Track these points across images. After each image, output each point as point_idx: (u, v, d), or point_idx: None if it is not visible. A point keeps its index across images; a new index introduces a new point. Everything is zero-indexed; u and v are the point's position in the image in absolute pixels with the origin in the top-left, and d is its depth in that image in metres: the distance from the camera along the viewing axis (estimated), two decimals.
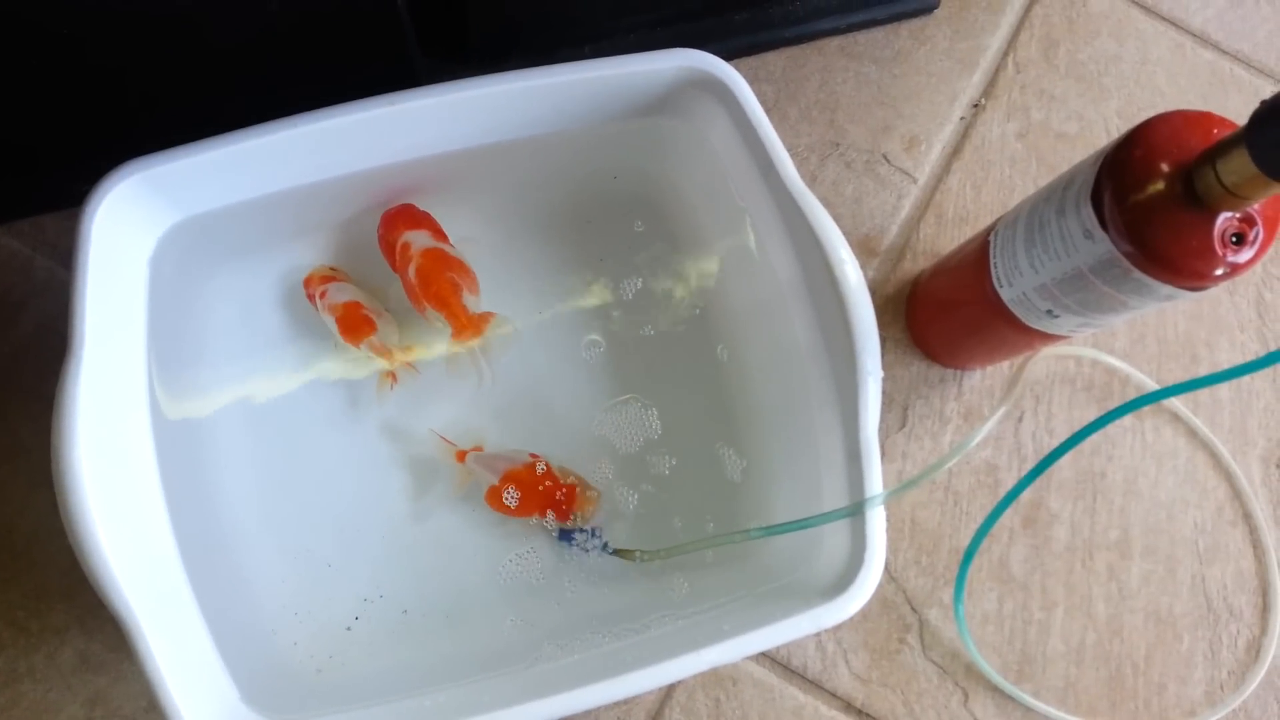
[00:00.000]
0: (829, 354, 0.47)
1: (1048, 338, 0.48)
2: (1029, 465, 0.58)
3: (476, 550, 0.52)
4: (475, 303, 0.51)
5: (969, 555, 0.51)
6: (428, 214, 0.53)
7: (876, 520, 0.44)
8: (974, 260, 0.49)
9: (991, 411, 0.57)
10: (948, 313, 0.55)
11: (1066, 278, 0.42)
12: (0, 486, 0.53)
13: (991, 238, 0.47)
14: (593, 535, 0.52)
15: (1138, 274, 0.39)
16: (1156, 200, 0.38)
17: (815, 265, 0.46)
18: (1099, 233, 0.39)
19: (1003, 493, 0.57)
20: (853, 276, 0.45)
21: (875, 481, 0.44)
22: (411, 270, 0.50)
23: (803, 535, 0.47)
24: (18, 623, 0.52)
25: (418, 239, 0.51)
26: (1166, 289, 0.39)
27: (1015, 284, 0.46)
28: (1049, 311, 0.45)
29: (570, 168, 0.55)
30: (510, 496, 0.50)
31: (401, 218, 0.52)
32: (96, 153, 0.47)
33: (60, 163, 0.54)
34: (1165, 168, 0.38)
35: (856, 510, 0.44)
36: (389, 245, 0.52)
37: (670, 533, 0.52)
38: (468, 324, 0.50)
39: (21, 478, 0.53)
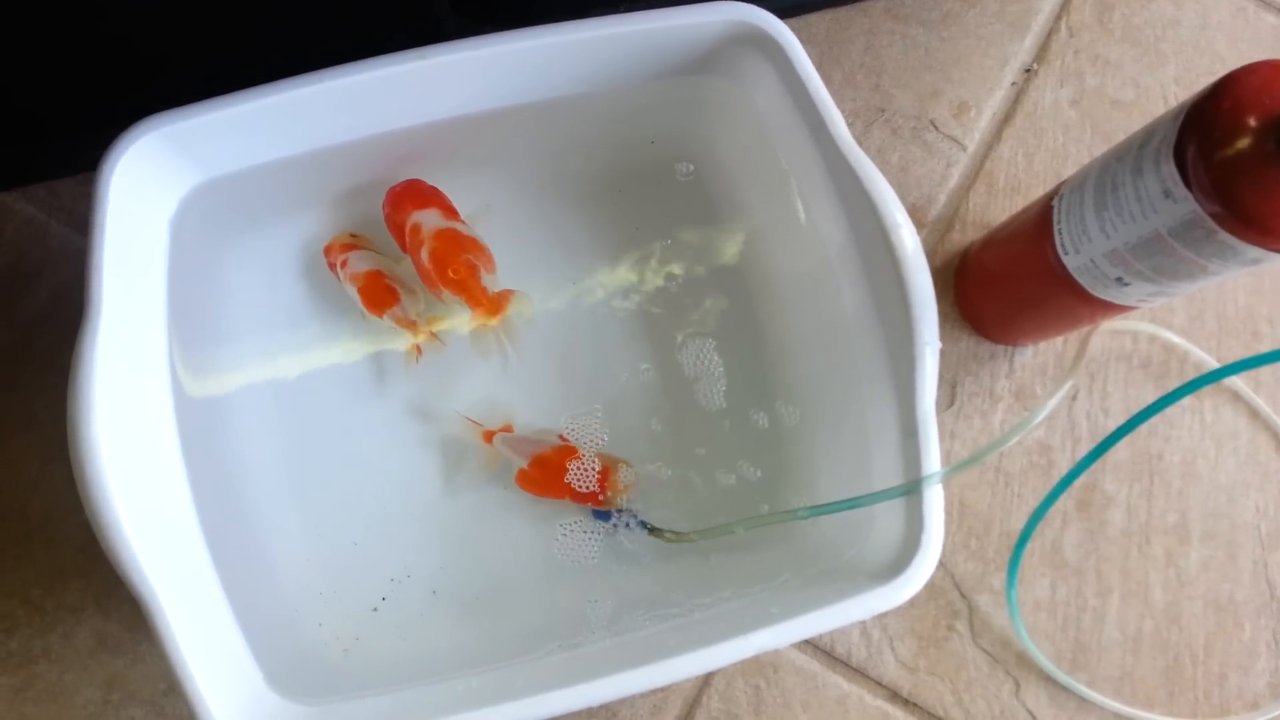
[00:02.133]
0: (882, 325, 0.45)
1: (1113, 309, 0.46)
2: (1084, 446, 0.55)
3: (508, 531, 0.50)
4: (492, 281, 0.48)
5: (1023, 539, 0.49)
6: (435, 189, 0.50)
7: (934, 499, 0.41)
8: (1034, 227, 0.47)
9: (1056, 385, 0.54)
10: (1001, 285, 0.52)
11: (1142, 242, 0.39)
12: (14, 460, 0.51)
13: (1055, 202, 0.45)
14: (629, 515, 0.49)
15: (1223, 235, 0.36)
16: (1246, 156, 0.35)
17: (868, 231, 0.44)
18: (1181, 191, 0.36)
19: (1056, 474, 0.55)
20: (909, 242, 0.42)
21: (933, 458, 0.42)
22: (425, 254, 0.48)
23: (852, 515, 0.44)
24: (33, 601, 0.50)
25: (428, 219, 0.48)
26: (1254, 251, 0.36)
27: (1083, 250, 0.43)
28: (1119, 279, 0.42)
29: (605, 131, 0.53)
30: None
31: (408, 196, 0.49)
32: (112, 113, 0.44)
33: (75, 124, 0.52)
34: (1254, 121, 0.35)
35: (914, 488, 0.41)
36: (397, 226, 0.49)
37: (712, 511, 0.50)
38: (488, 306, 0.47)
39: (36, 451, 0.52)
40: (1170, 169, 0.37)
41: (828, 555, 0.46)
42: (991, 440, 0.54)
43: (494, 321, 0.48)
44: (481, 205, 0.51)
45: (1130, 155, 0.39)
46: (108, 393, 0.39)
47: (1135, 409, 0.56)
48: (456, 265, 0.47)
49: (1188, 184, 0.36)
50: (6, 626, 0.50)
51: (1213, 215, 0.36)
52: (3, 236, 0.54)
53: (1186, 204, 0.37)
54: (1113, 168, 0.40)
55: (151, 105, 0.43)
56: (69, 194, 0.55)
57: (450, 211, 0.50)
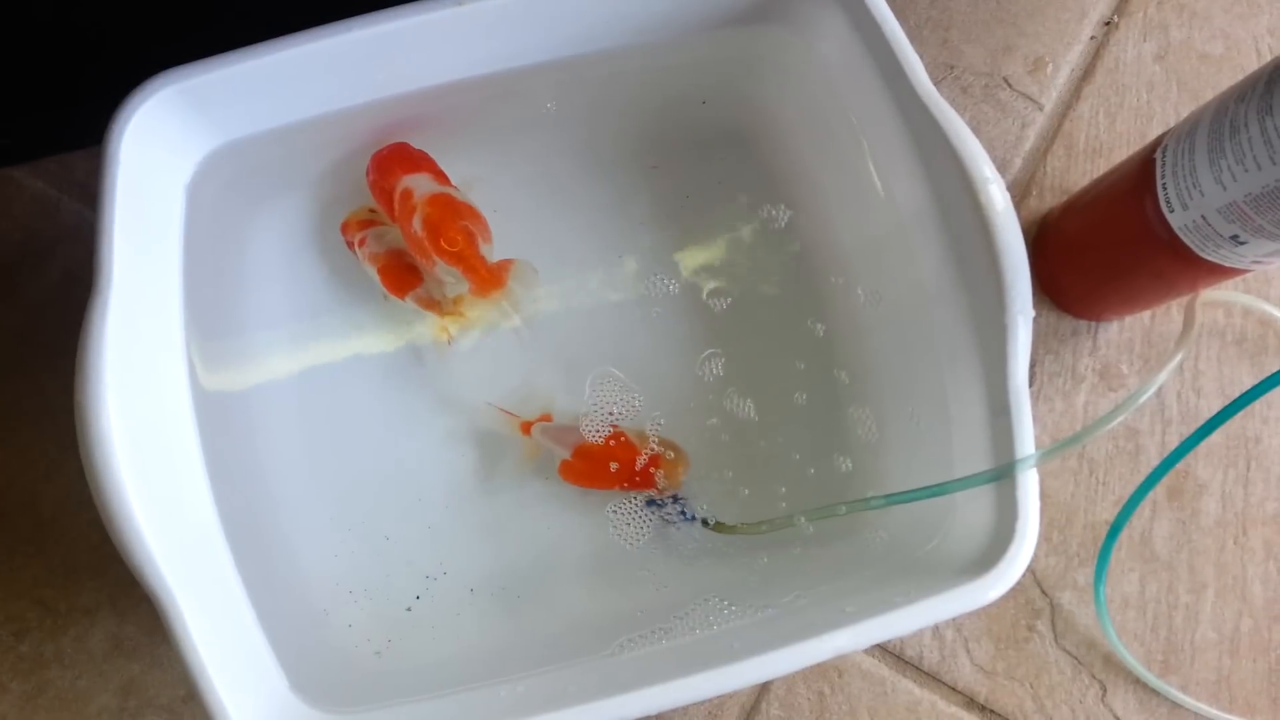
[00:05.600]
0: (965, 293, 0.40)
1: (1219, 273, 0.41)
2: (1173, 429, 0.51)
3: (552, 524, 0.46)
4: (489, 251, 0.45)
5: (1114, 532, 0.44)
6: (424, 153, 0.46)
7: (1030, 485, 0.37)
8: (1130, 185, 0.42)
9: (1148, 361, 0.50)
10: (1088, 253, 0.48)
11: (1266, 192, 0.35)
12: (25, 451, 0.48)
13: (1159, 154, 0.41)
14: (682, 505, 0.45)
15: None
16: None
17: (951, 189, 0.39)
18: None
19: (1144, 460, 0.51)
20: (999, 199, 0.38)
21: (1027, 439, 0.37)
22: (417, 222, 0.44)
23: (929, 505, 0.40)
24: (44, 602, 0.47)
25: (419, 184, 0.44)
26: None
27: (1191, 206, 0.39)
28: (1234, 238, 0.38)
29: (649, 91, 0.49)
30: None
31: (395, 159, 0.46)
32: (129, 81, 0.41)
33: (88, 93, 0.49)
34: None
35: (1006, 472, 0.37)
36: (384, 192, 0.46)
37: (769, 502, 0.46)
38: (488, 276, 0.43)
39: (48, 441, 0.48)
40: None
41: (902, 549, 0.42)
42: (1097, 417, 0.49)
43: (495, 294, 0.44)
44: (474, 175, 0.47)
45: (1256, 94, 0.35)
46: (119, 373, 0.35)
47: (1229, 388, 0.52)
48: (452, 233, 0.43)
49: None
50: (16, 629, 0.47)
51: None
52: (12, 214, 0.51)
53: None
54: (1232, 110, 0.36)
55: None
56: (82, 168, 0.51)
57: (441, 177, 0.46)
